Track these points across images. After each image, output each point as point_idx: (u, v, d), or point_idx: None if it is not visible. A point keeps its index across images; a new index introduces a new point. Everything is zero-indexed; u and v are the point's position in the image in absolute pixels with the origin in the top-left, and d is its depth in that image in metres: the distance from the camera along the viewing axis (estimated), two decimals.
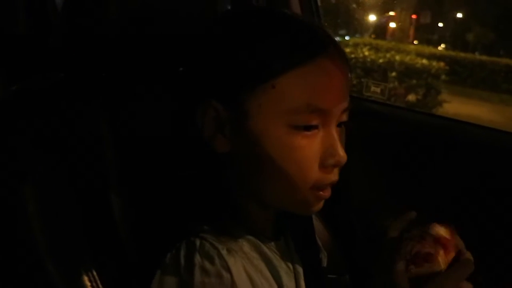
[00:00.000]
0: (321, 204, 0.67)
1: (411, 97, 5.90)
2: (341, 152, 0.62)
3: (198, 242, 0.61)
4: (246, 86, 0.61)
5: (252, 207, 0.67)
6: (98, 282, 0.65)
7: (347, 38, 7.74)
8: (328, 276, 1.00)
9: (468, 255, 0.67)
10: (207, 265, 0.59)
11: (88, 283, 0.65)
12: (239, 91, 0.61)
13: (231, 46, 0.63)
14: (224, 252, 0.60)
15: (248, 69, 0.61)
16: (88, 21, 0.76)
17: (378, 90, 1.46)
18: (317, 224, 1.12)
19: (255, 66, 0.61)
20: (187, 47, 0.67)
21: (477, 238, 1.18)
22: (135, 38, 0.78)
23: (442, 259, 0.66)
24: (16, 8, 1.64)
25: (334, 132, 0.63)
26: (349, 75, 0.66)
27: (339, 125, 0.65)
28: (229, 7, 1.23)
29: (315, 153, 0.62)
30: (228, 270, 0.59)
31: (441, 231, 0.69)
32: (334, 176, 0.64)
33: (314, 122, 0.61)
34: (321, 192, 0.64)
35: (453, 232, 0.70)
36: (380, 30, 8.35)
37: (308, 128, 0.61)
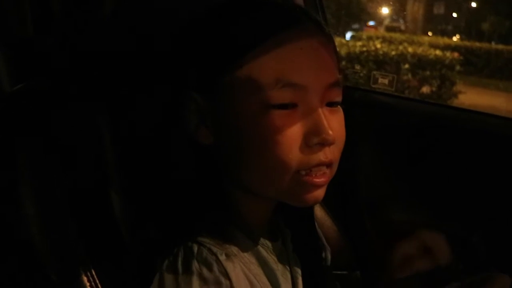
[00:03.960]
0: (317, 193, 0.62)
1: (425, 89, 5.84)
2: (327, 130, 0.59)
3: (195, 248, 0.59)
4: (216, 71, 0.60)
5: (245, 204, 0.66)
6: (97, 281, 0.65)
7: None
8: (338, 272, 0.99)
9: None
10: (206, 272, 0.58)
11: (87, 283, 0.64)
12: (211, 77, 0.61)
13: (200, 34, 0.63)
14: (222, 258, 0.59)
15: (215, 53, 0.61)
16: (82, 23, 0.76)
17: (386, 81, 1.43)
18: (325, 219, 1.11)
19: (220, 49, 0.60)
20: (172, 43, 0.67)
21: (485, 228, 1.17)
22: (129, 37, 0.77)
23: None
24: (24, 12, 1.65)
25: (319, 110, 0.60)
26: (334, 52, 0.64)
27: (331, 104, 0.62)
28: None
29: (295, 132, 0.59)
30: (227, 276, 0.58)
31: None
32: (323, 156, 0.60)
33: (289, 99, 0.59)
34: (311, 177, 0.61)
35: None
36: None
37: (285, 106, 0.59)
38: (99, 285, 0.65)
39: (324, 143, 0.60)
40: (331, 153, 0.61)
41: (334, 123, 0.61)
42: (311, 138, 0.59)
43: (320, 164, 0.61)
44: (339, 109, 0.64)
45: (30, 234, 0.64)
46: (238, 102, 0.60)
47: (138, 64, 0.78)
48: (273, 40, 0.59)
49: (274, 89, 0.58)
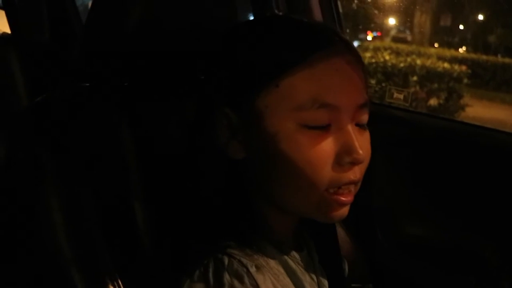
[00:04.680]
0: (343, 211, 0.64)
1: (433, 102, 5.84)
2: (358, 149, 0.60)
3: (226, 260, 0.60)
4: (252, 88, 0.61)
5: (272, 216, 0.67)
6: None
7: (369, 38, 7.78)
8: (352, 285, 1.00)
9: None
10: (237, 284, 0.58)
11: None
12: (246, 94, 0.62)
13: (236, 51, 0.64)
14: (253, 270, 0.60)
15: (251, 71, 0.62)
16: (111, 33, 0.77)
17: (401, 96, 1.44)
18: (339, 231, 1.11)
19: (256, 68, 0.61)
20: (202, 57, 0.68)
21: (499, 242, 1.17)
22: (157, 48, 0.78)
23: None
24: (41, 17, 1.67)
25: (350, 129, 0.61)
26: (363, 73, 0.65)
27: (359, 125, 0.64)
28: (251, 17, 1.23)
29: (328, 151, 0.60)
30: None
31: None
32: (353, 174, 0.62)
33: (324, 119, 0.60)
34: (339, 196, 0.62)
35: None
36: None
37: (319, 126, 0.60)
38: None
39: (355, 162, 0.61)
40: (359, 172, 0.63)
41: (363, 142, 0.63)
42: (343, 157, 0.60)
43: (350, 183, 0.62)
44: (366, 129, 0.65)
45: (58, 243, 0.65)
46: (273, 120, 0.60)
47: (171, 75, 0.79)
48: (309, 60, 0.60)
49: (310, 110, 0.59)
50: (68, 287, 0.64)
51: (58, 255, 0.65)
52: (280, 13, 1.32)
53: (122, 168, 0.75)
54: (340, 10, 1.35)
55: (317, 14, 1.29)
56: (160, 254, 0.71)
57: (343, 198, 0.62)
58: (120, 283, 0.66)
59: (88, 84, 0.80)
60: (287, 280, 0.65)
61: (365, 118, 0.64)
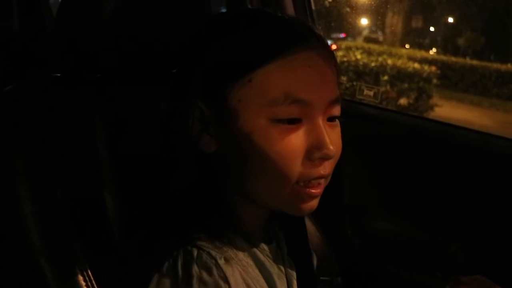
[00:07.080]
0: (313, 203, 0.64)
1: (403, 101, 5.93)
2: (329, 145, 0.61)
3: (195, 252, 0.60)
4: (224, 82, 0.61)
5: (242, 209, 0.67)
6: (93, 281, 0.65)
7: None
8: (321, 278, 1.01)
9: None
10: (205, 276, 0.58)
11: (83, 283, 0.65)
12: (218, 88, 0.62)
13: (209, 44, 0.64)
14: (221, 262, 0.60)
15: (224, 65, 0.62)
16: (83, 23, 0.76)
17: (371, 93, 1.47)
18: (309, 225, 1.13)
19: (230, 62, 0.61)
20: (176, 49, 0.67)
21: (465, 238, 1.21)
22: (130, 40, 0.78)
23: None
24: (10, 7, 1.64)
25: (321, 125, 0.62)
26: (336, 68, 0.66)
27: (331, 119, 0.64)
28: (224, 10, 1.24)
29: (299, 145, 0.61)
30: (226, 280, 0.59)
31: None
32: (323, 169, 0.62)
33: (296, 114, 0.60)
34: (309, 189, 0.62)
35: None
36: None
37: (291, 121, 0.60)
38: (95, 285, 0.65)
39: (325, 158, 0.62)
40: (330, 167, 0.64)
41: (334, 138, 0.63)
42: (314, 153, 0.61)
43: (320, 178, 0.63)
44: (338, 123, 0.66)
45: (26, 232, 0.65)
46: (245, 115, 0.61)
47: (144, 66, 0.79)
48: (282, 56, 0.60)
49: (282, 105, 0.60)
50: (37, 276, 0.64)
51: (27, 244, 0.64)
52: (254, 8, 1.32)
53: (93, 159, 0.74)
54: (313, 7, 1.37)
55: (290, 11, 1.30)
56: (131, 246, 0.70)
57: (313, 190, 0.63)
58: (90, 273, 0.66)
59: (59, 75, 0.79)
60: (256, 272, 0.66)
61: (336, 112, 0.65)
